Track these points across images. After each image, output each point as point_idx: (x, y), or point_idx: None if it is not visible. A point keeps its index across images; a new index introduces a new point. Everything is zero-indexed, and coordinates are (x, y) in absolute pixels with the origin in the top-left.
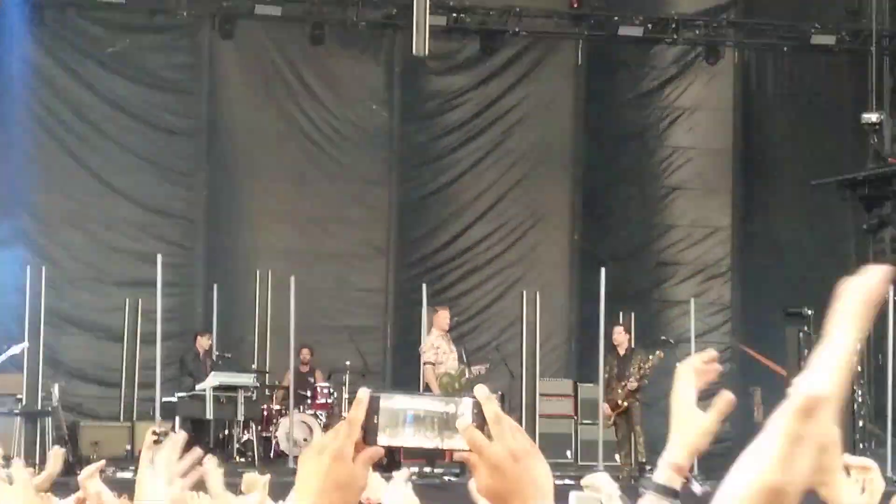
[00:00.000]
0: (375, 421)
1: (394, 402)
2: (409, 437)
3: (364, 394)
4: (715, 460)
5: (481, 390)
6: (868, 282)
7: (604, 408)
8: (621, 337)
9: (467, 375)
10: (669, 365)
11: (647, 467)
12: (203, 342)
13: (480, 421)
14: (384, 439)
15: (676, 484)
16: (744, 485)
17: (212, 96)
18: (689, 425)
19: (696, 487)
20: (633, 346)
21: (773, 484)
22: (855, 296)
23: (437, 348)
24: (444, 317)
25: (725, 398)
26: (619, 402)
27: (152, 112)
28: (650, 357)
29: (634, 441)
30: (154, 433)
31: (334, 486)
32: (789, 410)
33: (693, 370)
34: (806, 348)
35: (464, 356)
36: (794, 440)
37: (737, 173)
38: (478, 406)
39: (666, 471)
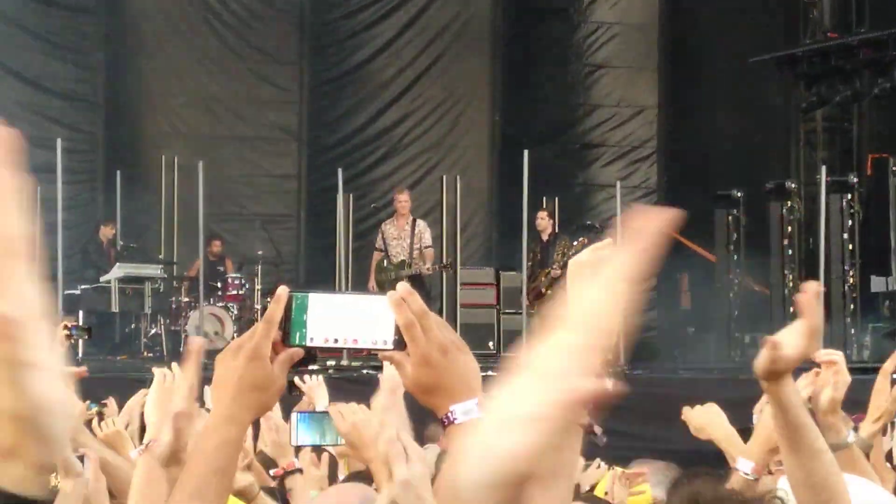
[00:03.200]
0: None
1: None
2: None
3: (283, 291)
4: (644, 350)
5: (402, 286)
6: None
7: (528, 296)
8: (545, 222)
9: (407, 270)
10: None
11: None
12: (106, 232)
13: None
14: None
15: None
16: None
17: None
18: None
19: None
20: (556, 231)
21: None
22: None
23: (383, 234)
24: (397, 200)
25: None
26: (543, 290)
27: None
28: (574, 243)
29: None
30: (66, 327)
31: (250, 387)
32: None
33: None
34: (735, 232)
35: (412, 248)
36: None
37: (664, 50)
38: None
39: None
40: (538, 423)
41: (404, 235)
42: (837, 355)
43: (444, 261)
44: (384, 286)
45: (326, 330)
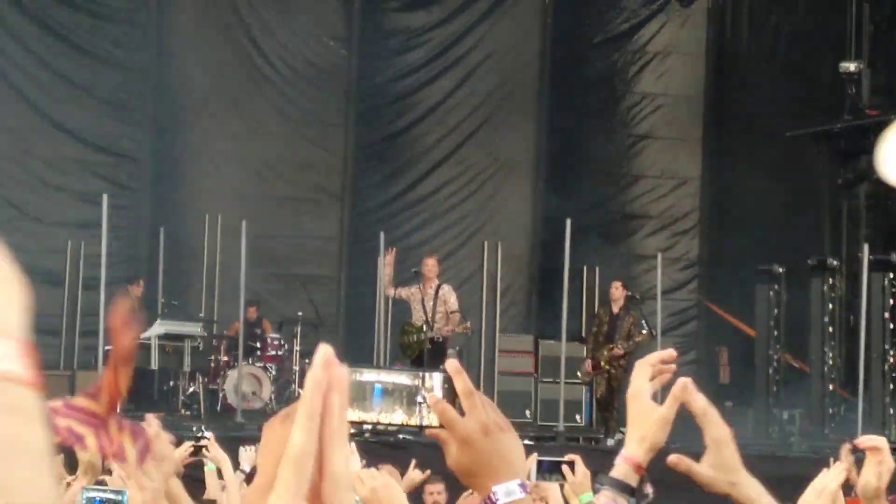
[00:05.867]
0: None
1: (362, 376)
2: (377, 412)
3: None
4: (680, 423)
5: (451, 364)
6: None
7: (586, 364)
8: (618, 292)
9: (428, 334)
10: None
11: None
12: (134, 290)
13: (450, 395)
14: (352, 414)
15: (633, 481)
16: None
17: (161, 28)
18: (646, 420)
19: (649, 488)
20: (628, 305)
21: None
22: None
23: (412, 294)
24: (424, 265)
25: (681, 385)
26: (602, 364)
27: (98, 44)
28: (642, 331)
29: (614, 412)
30: None
31: None
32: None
33: (651, 367)
34: (776, 307)
35: (434, 311)
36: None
37: (708, 122)
38: (448, 380)
39: (623, 466)
40: None
41: (427, 299)
42: (881, 441)
43: (469, 325)
44: (406, 350)
45: (373, 406)
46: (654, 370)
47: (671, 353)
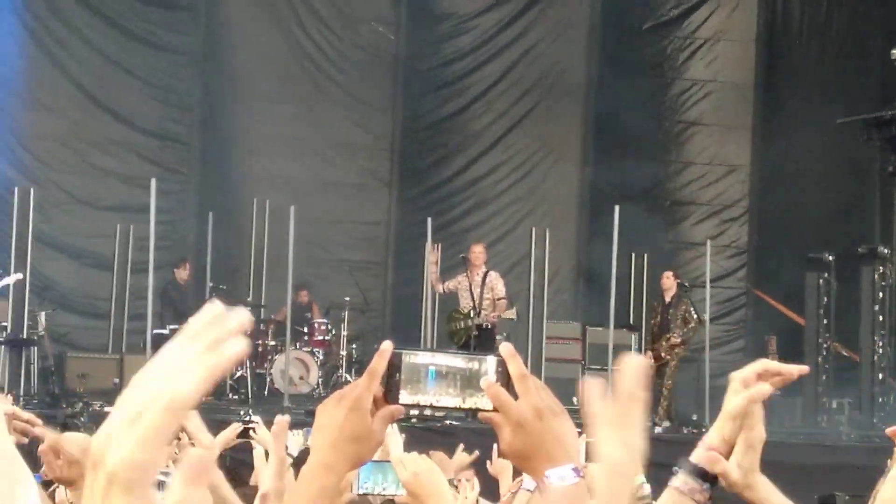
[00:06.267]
0: (397, 378)
1: (416, 358)
2: (431, 395)
3: (387, 346)
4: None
5: (506, 348)
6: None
7: (647, 356)
8: (669, 282)
9: (475, 320)
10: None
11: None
12: (181, 273)
13: (504, 379)
14: (405, 397)
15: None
16: None
17: (211, 13)
18: (730, 425)
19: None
20: (680, 293)
21: None
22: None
23: (459, 282)
24: (471, 251)
25: (760, 390)
26: (663, 354)
27: (149, 29)
28: (695, 316)
29: (661, 399)
30: None
31: (349, 438)
32: None
33: (743, 382)
34: (826, 296)
35: (481, 298)
36: None
37: (758, 109)
38: (502, 364)
39: (702, 453)
40: None
41: (475, 286)
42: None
43: (516, 311)
44: (453, 337)
45: (427, 389)
46: (746, 382)
47: (764, 365)
